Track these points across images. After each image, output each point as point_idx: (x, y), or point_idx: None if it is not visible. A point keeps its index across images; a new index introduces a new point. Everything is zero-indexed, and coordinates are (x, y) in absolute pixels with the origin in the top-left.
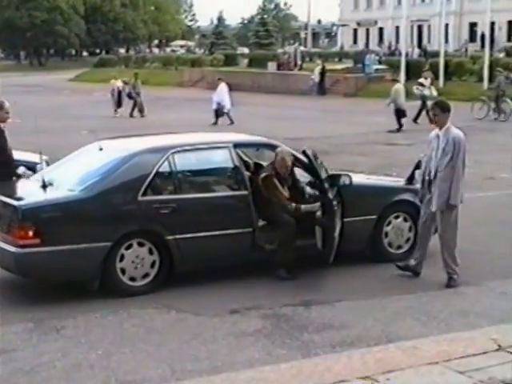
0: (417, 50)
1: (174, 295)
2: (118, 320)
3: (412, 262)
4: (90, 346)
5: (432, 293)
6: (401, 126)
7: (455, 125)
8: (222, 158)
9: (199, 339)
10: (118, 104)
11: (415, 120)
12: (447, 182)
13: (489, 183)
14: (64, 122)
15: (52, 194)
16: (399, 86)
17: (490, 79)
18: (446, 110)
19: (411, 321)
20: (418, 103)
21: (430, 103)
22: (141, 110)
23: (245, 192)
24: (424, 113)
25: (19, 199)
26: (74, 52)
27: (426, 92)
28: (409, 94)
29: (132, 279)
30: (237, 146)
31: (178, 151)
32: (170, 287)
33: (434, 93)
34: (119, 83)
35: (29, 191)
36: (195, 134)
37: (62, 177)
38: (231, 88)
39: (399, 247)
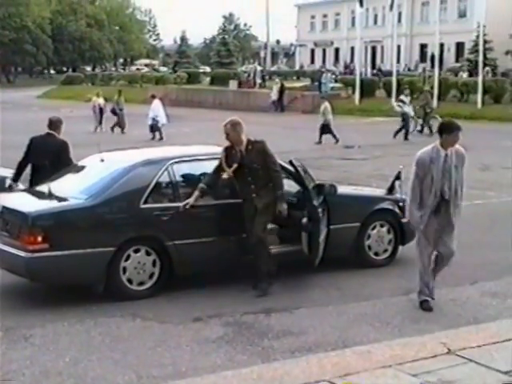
0: (370, 70)
1: (139, 304)
2: (85, 328)
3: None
4: (57, 354)
5: (386, 300)
6: (320, 141)
7: (386, 140)
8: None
9: (164, 346)
10: (100, 121)
11: (395, 136)
12: None
13: None
14: None
15: (59, 203)
16: (327, 104)
17: (440, 97)
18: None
19: (366, 327)
20: (398, 119)
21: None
22: (122, 126)
23: (238, 200)
24: (403, 130)
25: (29, 207)
26: (41, 69)
27: (407, 109)
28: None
29: (134, 283)
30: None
31: (177, 162)
32: None
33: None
34: (101, 100)
35: (36, 200)
36: (192, 147)
37: (67, 186)
38: (164, 104)
39: (381, 253)
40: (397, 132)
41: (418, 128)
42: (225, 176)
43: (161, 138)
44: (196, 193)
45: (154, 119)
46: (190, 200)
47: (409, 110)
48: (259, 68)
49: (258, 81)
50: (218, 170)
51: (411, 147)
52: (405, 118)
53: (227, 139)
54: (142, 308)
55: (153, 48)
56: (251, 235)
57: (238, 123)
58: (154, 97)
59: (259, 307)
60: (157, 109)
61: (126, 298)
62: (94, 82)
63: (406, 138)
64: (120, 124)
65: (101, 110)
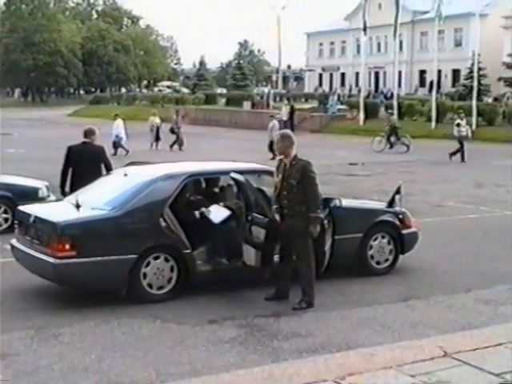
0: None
1: (159, 306)
2: (109, 328)
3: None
4: (84, 351)
5: (387, 306)
6: (274, 155)
7: (388, 158)
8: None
9: (181, 346)
10: (156, 139)
11: (451, 157)
12: None
13: (436, 210)
14: None
15: (85, 213)
16: (275, 122)
17: (437, 119)
18: None
19: (368, 330)
20: (455, 143)
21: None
22: (180, 144)
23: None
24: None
25: (58, 217)
26: (72, 90)
27: (464, 133)
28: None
29: (154, 287)
30: (240, 173)
31: (193, 177)
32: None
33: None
34: (157, 120)
35: (65, 210)
36: (208, 163)
37: (93, 198)
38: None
39: (382, 262)
40: (453, 153)
41: (388, 146)
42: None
43: (126, 153)
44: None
45: (117, 136)
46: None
47: (466, 132)
48: (272, 91)
49: (271, 102)
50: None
51: (411, 165)
52: (461, 140)
53: (276, 150)
54: (162, 310)
55: (174, 71)
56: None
57: (288, 136)
58: (117, 116)
59: (270, 311)
60: (119, 128)
61: (147, 301)
62: (119, 102)
63: (462, 159)
64: (178, 142)
65: (157, 129)
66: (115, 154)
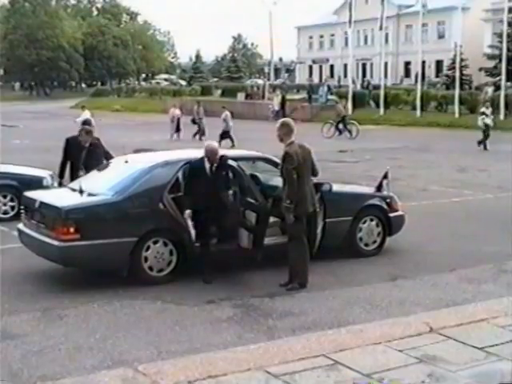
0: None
1: (159, 288)
2: (112, 309)
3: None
4: (89, 332)
5: (375, 285)
6: (219, 143)
7: (375, 145)
8: None
9: (181, 325)
10: (177, 129)
11: (479, 144)
12: None
13: (422, 194)
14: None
15: (88, 198)
16: (227, 113)
17: (422, 108)
18: None
19: (358, 309)
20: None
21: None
22: (202, 134)
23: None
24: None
25: (62, 202)
26: (74, 84)
27: (488, 121)
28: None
29: (154, 270)
30: (236, 159)
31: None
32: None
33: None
34: (178, 111)
35: (69, 195)
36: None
37: (96, 184)
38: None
39: (370, 244)
40: (481, 142)
41: (337, 133)
42: None
43: None
44: None
45: None
46: None
47: (490, 121)
48: (268, 82)
49: (267, 94)
50: None
51: (397, 151)
52: (486, 129)
53: (280, 140)
54: (162, 292)
55: (171, 65)
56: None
57: (286, 124)
58: (84, 107)
59: (265, 291)
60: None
61: (148, 283)
62: (119, 95)
63: (485, 147)
64: (200, 132)
65: (178, 120)
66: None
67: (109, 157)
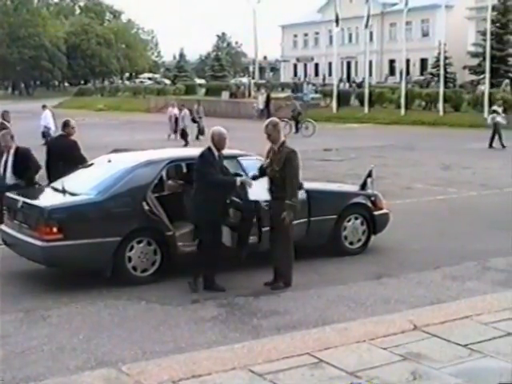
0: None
1: (143, 288)
2: (96, 310)
3: None
4: (72, 332)
5: (360, 284)
6: (186, 143)
7: (360, 143)
8: None
9: (165, 325)
10: (175, 130)
11: (490, 145)
12: None
13: (406, 192)
14: None
15: (71, 198)
16: (186, 111)
17: (407, 106)
18: None
19: (343, 307)
20: (366, 127)
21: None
22: (201, 133)
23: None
24: (497, 137)
25: (45, 202)
26: (57, 83)
27: (500, 119)
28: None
29: (138, 270)
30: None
31: (174, 162)
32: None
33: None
34: (176, 110)
35: (51, 195)
36: (188, 149)
37: (79, 183)
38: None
39: (355, 242)
40: (491, 141)
41: (294, 130)
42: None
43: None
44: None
45: (45, 127)
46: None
47: (501, 119)
48: (252, 81)
49: (252, 93)
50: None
51: (382, 150)
52: (497, 127)
53: (268, 139)
54: (146, 292)
55: (155, 63)
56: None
57: (278, 123)
58: (44, 107)
59: (249, 291)
60: (47, 118)
61: (132, 283)
62: (102, 94)
63: (490, 145)
64: (201, 131)
65: (176, 120)
66: (46, 143)
67: (78, 161)
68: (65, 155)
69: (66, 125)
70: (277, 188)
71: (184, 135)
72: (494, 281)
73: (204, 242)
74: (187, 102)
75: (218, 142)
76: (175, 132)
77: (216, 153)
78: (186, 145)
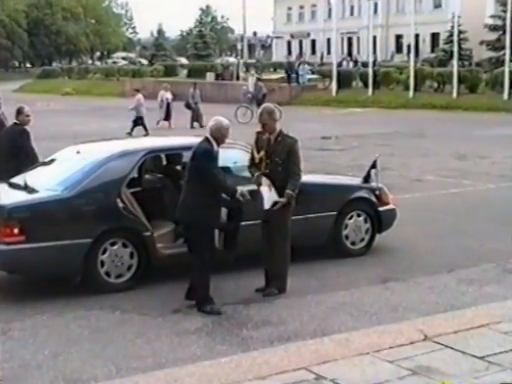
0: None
1: (118, 296)
2: (64, 321)
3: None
4: (37, 347)
5: (364, 289)
6: (132, 131)
7: (363, 130)
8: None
9: (143, 338)
10: (167, 116)
11: None
12: None
13: (416, 185)
14: None
15: (35, 195)
16: (141, 96)
17: (416, 88)
18: None
19: (344, 316)
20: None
21: None
22: (199, 120)
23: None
24: None
25: (4, 200)
26: (17, 64)
27: None
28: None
29: (112, 276)
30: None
31: (152, 153)
32: None
33: None
34: (169, 95)
35: (12, 192)
36: (169, 138)
37: (43, 178)
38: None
39: (358, 242)
40: None
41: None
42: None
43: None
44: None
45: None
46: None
47: None
48: (242, 60)
49: (241, 74)
50: (252, 161)
51: (388, 137)
52: None
53: (263, 129)
54: (121, 300)
55: (129, 41)
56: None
57: (274, 111)
58: None
59: (238, 298)
60: None
61: (105, 290)
62: (70, 76)
63: None
64: (197, 118)
65: (168, 105)
66: None
67: (27, 154)
68: (8, 146)
69: (19, 112)
70: (278, 182)
71: (139, 124)
72: None
73: (195, 247)
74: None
75: (219, 135)
76: (167, 119)
77: (215, 148)
78: (147, 134)
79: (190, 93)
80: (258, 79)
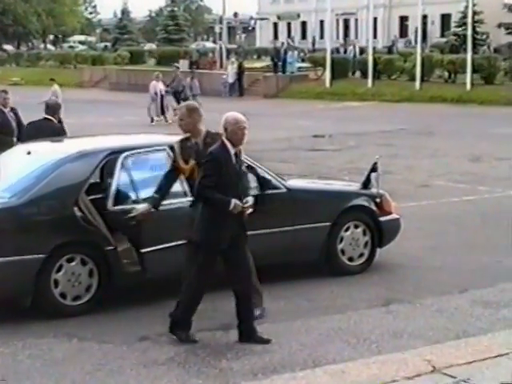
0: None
1: (75, 322)
2: (11, 351)
3: None
4: None
5: (362, 312)
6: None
7: (362, 128)
8: (160, 161)
9: (105, 370)
10: (162, 110)
11: None
12: None
13: (423, 191)
14: None
15: None
16: (58, 88)
17: (423, 78)
18: None
19: (340, 343)
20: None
21: None
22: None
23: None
24: None
25: None
26: None
27: None
28: None
29: (68, 298)
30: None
31: (116, 153)
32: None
33: None
34: (162, 86)
35: None
36: (134, 136)
37: None
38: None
39: (356, 258)
40: None
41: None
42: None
43: None
44: (146, 206)
45: None
46: (138, 211)
47: None
48: (224, 46)
49: (224, 61)
50: (173, 169)
51: (390, 135)
52: None
53: (180, 127)
54: (79, 326)
55: (88, 22)
56: None
57: (195, 109)
58: None
59: (216, 323)
60: None
61: (60, 315)
62: (18, 63)
63: None
64: None
65: (162, 98)
66: None
67: None
68: None
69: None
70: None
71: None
72: None
73: (197, 267)
74: (134, 73)
75: (234, 133)
76: (163, 113)
77: (232, 150)
78: None
79: (187, 83)
80: (240, 66)
